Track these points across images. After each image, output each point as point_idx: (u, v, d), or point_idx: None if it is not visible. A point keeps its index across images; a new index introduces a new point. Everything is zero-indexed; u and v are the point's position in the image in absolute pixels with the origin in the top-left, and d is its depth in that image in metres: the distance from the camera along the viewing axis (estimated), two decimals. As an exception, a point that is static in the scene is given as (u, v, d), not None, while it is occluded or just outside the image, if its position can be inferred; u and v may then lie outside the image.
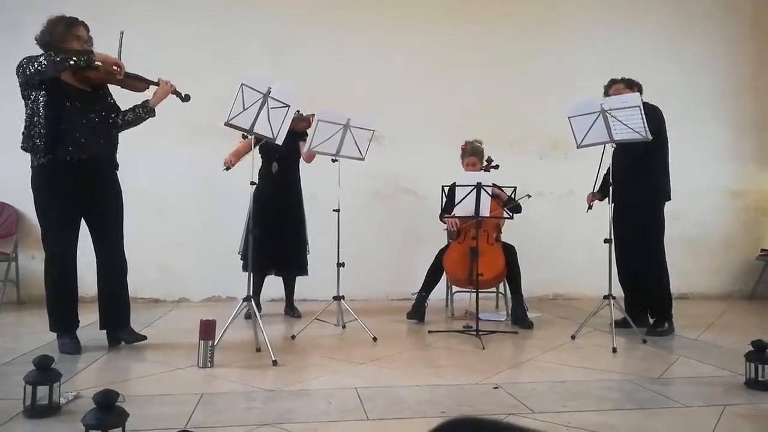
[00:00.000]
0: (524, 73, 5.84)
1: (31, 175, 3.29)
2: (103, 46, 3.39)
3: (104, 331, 3.51)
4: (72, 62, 3.13)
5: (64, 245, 3.31)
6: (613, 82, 4.19)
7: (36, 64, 3.10)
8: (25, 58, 3.16)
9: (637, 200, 4.04)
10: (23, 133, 3.23)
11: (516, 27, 5.90)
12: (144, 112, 3.52)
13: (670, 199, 4.13)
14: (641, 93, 4.04)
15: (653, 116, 3.92)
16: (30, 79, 3.15)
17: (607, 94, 4.16)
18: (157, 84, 3.51)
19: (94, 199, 3.39)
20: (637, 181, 4.01)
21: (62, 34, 3.25)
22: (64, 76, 3.25)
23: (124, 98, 3.58)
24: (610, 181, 3.88)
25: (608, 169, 3.97)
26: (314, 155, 4.37)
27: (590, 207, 4.32)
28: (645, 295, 4.15)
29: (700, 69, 6.10)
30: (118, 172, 3.54)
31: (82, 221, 3.42)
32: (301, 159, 4.62)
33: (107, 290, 3.48)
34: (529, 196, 4.45)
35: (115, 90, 3.53)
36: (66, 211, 3.30)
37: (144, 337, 3.52)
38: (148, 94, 3.55)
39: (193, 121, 5.15)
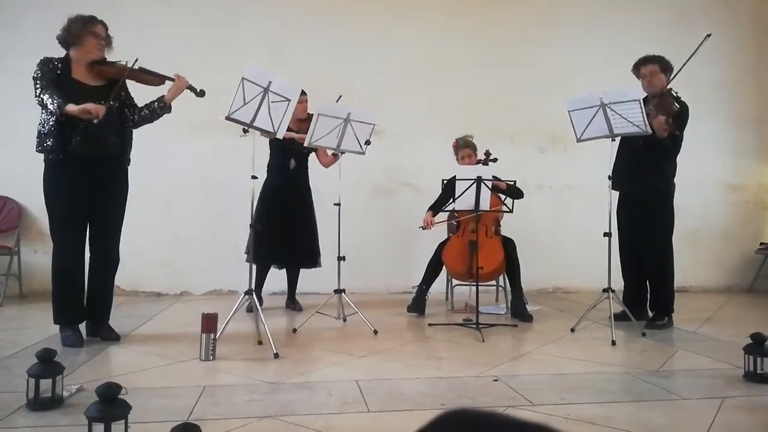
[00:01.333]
0: (524, 66, 5.82)
1: (43, 171, 3.32)
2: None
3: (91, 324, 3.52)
4: (48, 107, 3.16)
5: (71, 240, 3.34)
6: (648, 60, 4.09)
7: (35, 91, 3.19)
8: (34, 73, 3.23)
9: (640, 190, 4.05)
10: (37, 139, 3.28)
11: (517, 21, 5.89)
12: (160, 108, 3.52)
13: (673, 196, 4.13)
14: (670, 76, 4.01)
15: (684, 114, 3.93)
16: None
17: (637, 69, 4.11)
18: (172, 79, 3.50)
19: (101, 193, 3.40)
20: (637, 173, 4.03)
21: (78, 31, 3.30)
22: (77, 73, 3.31)
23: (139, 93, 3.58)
24: (609, 176, 3.89)
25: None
26: (333, 161, 4.40)
27: None
28: (648, 287, 4.15)
29: (700, 63, 6.05)
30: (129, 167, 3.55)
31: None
32: (312, 155, 4.64)
33: (96, 284, 3.50)
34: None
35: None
36: (74, 206, 3.33)
37: (118, 337, 3.51)
38: (163, 89, 3.53)
39: (197, 117, 5.14)
